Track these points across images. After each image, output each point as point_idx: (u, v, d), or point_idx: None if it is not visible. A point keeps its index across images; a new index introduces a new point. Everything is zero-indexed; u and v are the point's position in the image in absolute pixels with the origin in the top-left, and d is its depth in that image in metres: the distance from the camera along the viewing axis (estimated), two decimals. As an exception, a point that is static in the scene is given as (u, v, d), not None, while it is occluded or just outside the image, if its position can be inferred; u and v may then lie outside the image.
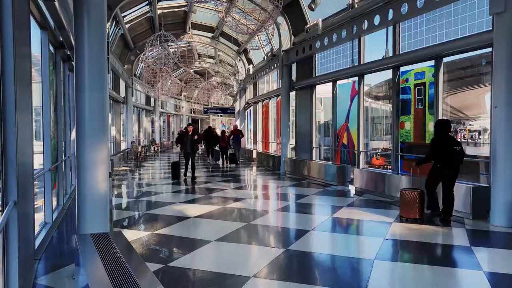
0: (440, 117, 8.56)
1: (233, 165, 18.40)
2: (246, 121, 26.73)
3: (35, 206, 5.07)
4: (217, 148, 20.73)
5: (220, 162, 19.56)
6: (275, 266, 4.94)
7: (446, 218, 6.89)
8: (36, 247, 5.15)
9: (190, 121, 49.26)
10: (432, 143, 7.07)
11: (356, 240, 6.43)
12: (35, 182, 4.90)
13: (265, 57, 19.92)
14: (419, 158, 7.75)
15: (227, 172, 16.06)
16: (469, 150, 13.25)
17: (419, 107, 9.52)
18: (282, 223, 7.18)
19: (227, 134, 19.93)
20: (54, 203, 7.44)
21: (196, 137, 13.34)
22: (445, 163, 6.85)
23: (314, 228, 6.80)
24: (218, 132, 22.89)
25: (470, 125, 13.91)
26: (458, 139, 9.74)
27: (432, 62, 8.91)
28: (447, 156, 6.81)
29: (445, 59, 8.75)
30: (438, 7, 8.48)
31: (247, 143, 25.94)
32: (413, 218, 7.00)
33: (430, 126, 8.97)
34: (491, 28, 7.13)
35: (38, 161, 6.19)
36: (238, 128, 22.38)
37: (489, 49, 7.37)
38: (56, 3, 5.97)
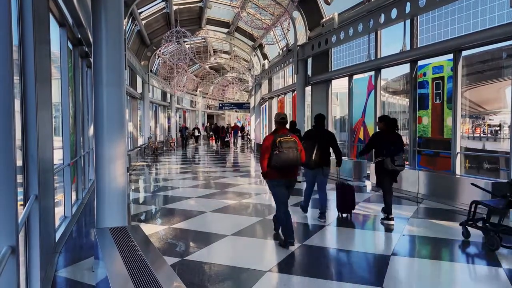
0: (459, 112, 8.53)
1: (226, 148, 27.76)
2: (261, 116, 26.67)
3: (55, 200, 5.18)
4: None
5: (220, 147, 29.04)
6: (290, 260, 4.96)
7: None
8: (56, 240, 5.28)
9: (206, 117, 49.57)
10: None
11: (372, 236, 6.39)
12: (55, 177, 5.02)
13: (281, 52, 19.84)
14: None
15: (232, 161, 16.16)
16: (488, 146, 12.98)
17: (437, 101, 9.36)
18: (298, 218, 7.17)
19: (225, 128, 32.51)
20: (73, 197, 7.59)
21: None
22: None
23: (330, 223, 6.80)
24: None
25: (490, 119, 13.61)
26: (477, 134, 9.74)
27: (450, 56, 8.74)
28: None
29: (464, 53, 8.58)
30: (457, 0, 8.31)
31: (261, 138, 25.95)
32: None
33: (449, 121, 8.83)
34: (512, 20, 6.97)
35: (57, 157, 6.32)
36: (242, 125, 36.09)
37: (510, 42, 7.21)
38: (75, 1, 6.06)
